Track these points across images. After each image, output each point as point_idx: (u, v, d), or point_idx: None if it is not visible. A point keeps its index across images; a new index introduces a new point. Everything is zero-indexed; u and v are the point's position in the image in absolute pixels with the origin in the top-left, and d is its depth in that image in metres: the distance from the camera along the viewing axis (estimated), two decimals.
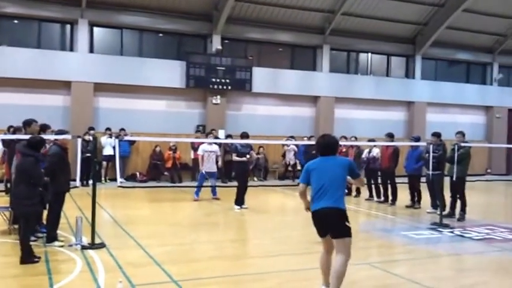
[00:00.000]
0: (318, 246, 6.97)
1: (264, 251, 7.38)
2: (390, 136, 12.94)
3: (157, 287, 5.51)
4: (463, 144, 10.41)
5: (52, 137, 7.77)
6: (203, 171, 12.28)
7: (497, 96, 23.19)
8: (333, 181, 5.00)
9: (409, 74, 21.83)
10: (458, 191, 10.37)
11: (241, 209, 11.08)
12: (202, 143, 12.75)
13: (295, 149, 17.77)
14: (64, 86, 16.14)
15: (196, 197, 12.42)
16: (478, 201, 12.96)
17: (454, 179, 10.20)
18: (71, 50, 16.68)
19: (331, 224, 4.97)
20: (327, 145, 5.25)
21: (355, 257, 7.15)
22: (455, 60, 23.00)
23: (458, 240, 8.44)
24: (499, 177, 21.51)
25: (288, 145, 17.68)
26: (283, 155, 18.34)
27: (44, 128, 8.10)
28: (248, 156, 11.47)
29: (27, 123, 7.56)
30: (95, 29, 17.04)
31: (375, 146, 13.13)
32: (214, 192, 12.62)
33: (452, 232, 9.05)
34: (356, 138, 14.62)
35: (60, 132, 7.75)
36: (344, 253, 4.89)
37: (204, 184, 12.69)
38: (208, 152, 12.27)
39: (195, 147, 16.63)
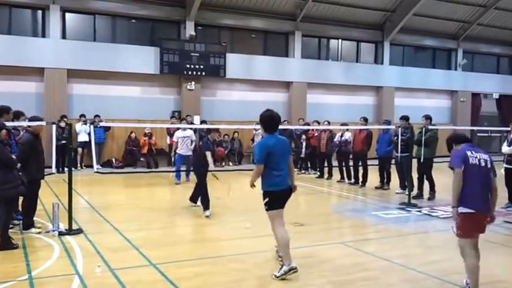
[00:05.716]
0: (292, 227, 7.22)
1: (240, 233, 7.47)
2: (365, 120, 13.25)
3: (136, 271, 5.51)
4: (431, 127, 10.74)
5: (25, 123, 7.58)
6: (178, 153, 12.27)
7: (461, 81, 23.84)
8: (286, 164, 5.43)
9: (377, 59, 22.18)
10: (425, 172, 10.75)
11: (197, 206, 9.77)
12: (178, 128, 12.80)
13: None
14: (37, 72, 15.81)
15: (178, 181, 12.48)
16: (443, 182, 13.36)
17: (421, 160, 10.59)
18: (43, 36, 16.26)
19: (286, 200, 5.50)
20: (274, 120, 5.38)
21: (329, 237, 7.47)
22: (422, 46, 23.49)
23: (426, 219, 8.75)
24: None
25: (256, 129, 17.87)
26: (252, 139, 18.54)
27: (18, 115, 7.91)
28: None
29: (5, 110, 7.37)
30: (67, 14, 16.64)
31: (347, 130, 13.43)
32: (188, 176, 12.71)
33: (420, 211, 9.40)
34: (329, 122, 14.91)
35: (33, 119, 7.52)
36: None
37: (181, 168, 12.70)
38: (182, 138, 12.33)
39: (170, 132, 16.65)
